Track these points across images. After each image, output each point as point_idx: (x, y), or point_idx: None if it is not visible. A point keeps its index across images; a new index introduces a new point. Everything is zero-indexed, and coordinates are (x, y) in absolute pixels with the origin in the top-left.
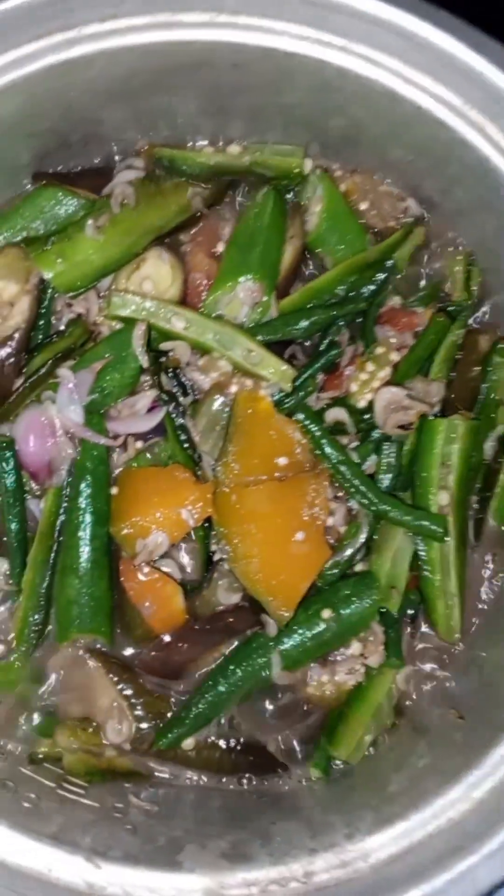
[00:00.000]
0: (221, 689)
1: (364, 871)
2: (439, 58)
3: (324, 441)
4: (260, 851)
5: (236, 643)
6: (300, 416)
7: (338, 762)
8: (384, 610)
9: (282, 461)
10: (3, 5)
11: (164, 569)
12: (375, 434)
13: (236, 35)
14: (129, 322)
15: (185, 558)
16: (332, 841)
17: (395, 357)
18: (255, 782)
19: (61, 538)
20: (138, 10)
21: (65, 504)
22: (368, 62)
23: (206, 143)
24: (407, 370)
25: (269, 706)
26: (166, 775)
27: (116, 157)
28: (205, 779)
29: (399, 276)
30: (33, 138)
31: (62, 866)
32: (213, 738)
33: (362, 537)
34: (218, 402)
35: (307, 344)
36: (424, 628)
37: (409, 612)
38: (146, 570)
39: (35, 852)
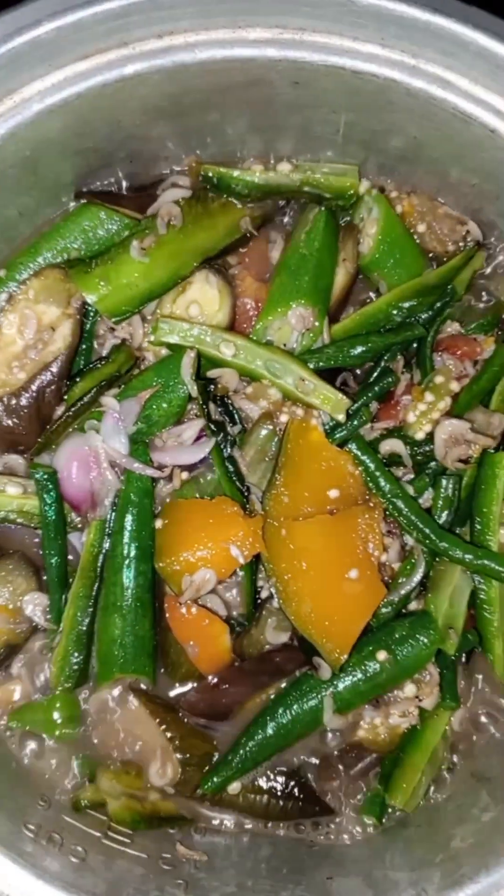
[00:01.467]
0: (270, 732)
1: None
2: None
3: (378, 474)
4: None
5: (285, 684)
6: (353, 447)
7: (391, 810)
8: (439, 650)
9: (333, 494)
10: (57, 22)
11: (210, 606)
12: (432, 466)
13: (301, 53)
14: (176, 348)
15: (231, 595)
16: None
17: (455, 387)
18: (304, 828)
19: (103, 574)
20: (197, 26)
21: (108, 538)
22: (440, 83)
23: (255, 160)
24: (468, 401)
25: (320, 749)
26: (213, 821)
27: (162, 175)
28: (252, 824)
29: (458, 302)
30: (78, 157)
31: None
32: (260, 781)
33: (419, 575)
34: (267, 432)
35: (358, 371)
36: (480, 669)
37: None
38: (192, 607)
39: None
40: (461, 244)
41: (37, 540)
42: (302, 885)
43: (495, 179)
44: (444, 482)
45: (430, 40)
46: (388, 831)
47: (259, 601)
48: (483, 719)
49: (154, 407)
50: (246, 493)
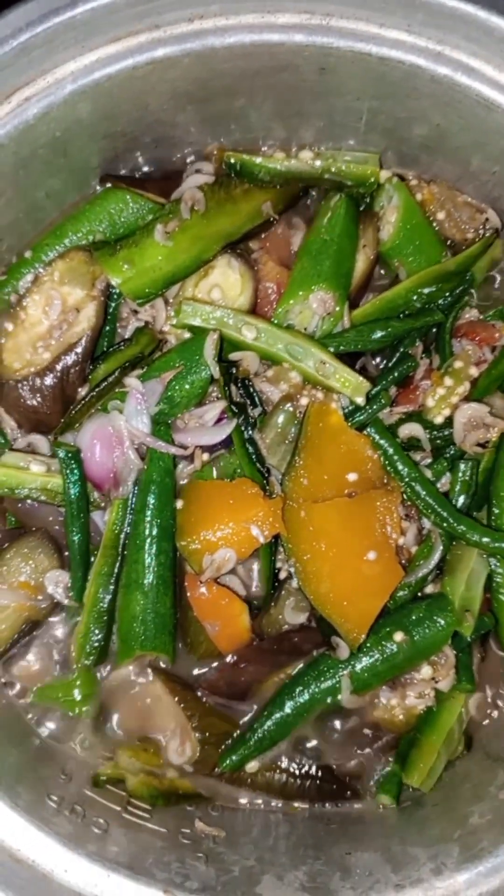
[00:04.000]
0: (288, 711)
1: None
2: None
3: (396, 457)
4: (341, 885)
5: (302, 664)
6: (372, 431)
7: (407, 789)
8: (456, 632)
9: (352, 477)
10: (91, 4)
11: (230, 585)
12: (450, 451)
13: (328, 38)
14: (198, 331)
15: (250, 575)
16: (419, 876)
17: (474, 372)
18: (322, 807)
19: (125, 552)
20: (227, 11)
21: (129, 516)
22: (464, 69)
23: (277, 147)
24: (487, 386)
25: (337, 729)
26: (231, 799)
27: (187, 161)
28: (271, 803)
29: (476, 289)
30: (105, 140)
31: None
32: (278, 761)
33: (436, 558)
34: (287, 415)
35: (377, 359)
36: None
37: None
38: (213, 586)
39: (112, 883)
40: (480, 232)
41: (60, 518)
42: (321, 859)
43: None
44: (462, 466)
45: (456, 26)
46: (406, 810)
47: (278, 582)
48: (498, 701)
49: (176, 388)
50: (266, 475)
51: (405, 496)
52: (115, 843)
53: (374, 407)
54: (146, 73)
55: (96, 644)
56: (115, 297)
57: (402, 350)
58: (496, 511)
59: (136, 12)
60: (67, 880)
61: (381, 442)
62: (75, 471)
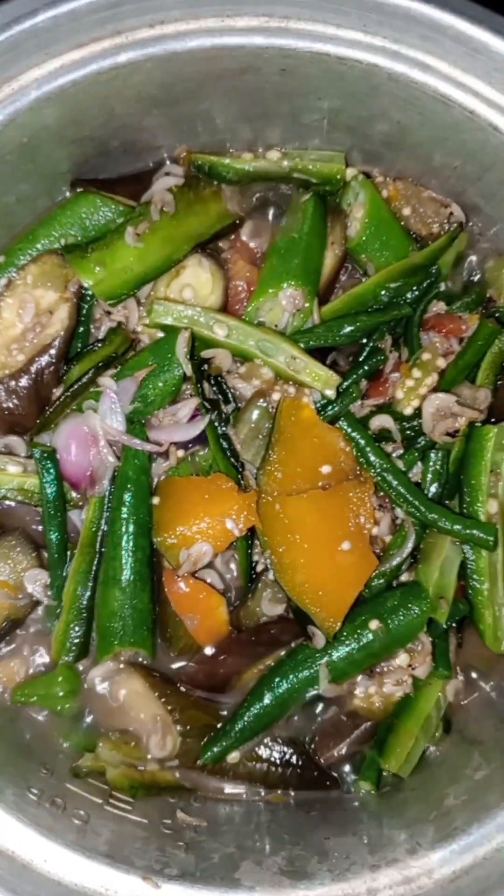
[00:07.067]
0: (267, 701)
1: (428, 887)
2: (494, 62)
3: (368, 449)
4: (318, 868)
5: (282, 655)
6: (343, 424)
7: (387, 775)
8: (431, 620)
9: (325, 469)
10: (53, 11)
11: (207, 580)
12: (420, 441)
13: (287, 40)
14: (170, 330)
15: (227, 568)
16: (394, 856)
17: (441, 363)
18: (302, 795)
19: (103, 549)
20: (187, 16)
21: (106, 514)
22: (420, 67)
23: (244, 148)
24: (455, 376)
25: (316, 718)
26: (212, 789)
27: (155, 164)
28: (252, 792)
29: (443, 282)
30: (74, 145)
31: (120, 885)
32: (259, 751)
33: (409, 546)
34: (260, 410)
35: (348, 356)
36: (471, 638)
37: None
38: (190, 580)
39: (92, 871)
40: (445, 226)
41: (37, 517)
42: (300, 845)
43: (476, 161)
44: (432, 456)
45: (409, 26)
46: (384, 795)
47: (255, 575)
48: (474, 687)
49: (150, 386)
50: (240, 470)
51: (378, 487)
52: (96, 833)
53: (345, 400)
54: (110, 78)
55: (76, 641)
56: (88, 298)
57: (371, 344)
58: (467, 499)
59: (97, 18)
60: (47, 870)
61: (353, 434)
62: (51, 470)
